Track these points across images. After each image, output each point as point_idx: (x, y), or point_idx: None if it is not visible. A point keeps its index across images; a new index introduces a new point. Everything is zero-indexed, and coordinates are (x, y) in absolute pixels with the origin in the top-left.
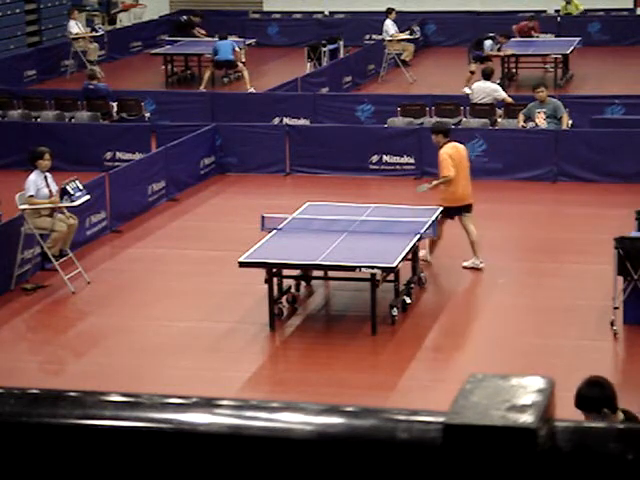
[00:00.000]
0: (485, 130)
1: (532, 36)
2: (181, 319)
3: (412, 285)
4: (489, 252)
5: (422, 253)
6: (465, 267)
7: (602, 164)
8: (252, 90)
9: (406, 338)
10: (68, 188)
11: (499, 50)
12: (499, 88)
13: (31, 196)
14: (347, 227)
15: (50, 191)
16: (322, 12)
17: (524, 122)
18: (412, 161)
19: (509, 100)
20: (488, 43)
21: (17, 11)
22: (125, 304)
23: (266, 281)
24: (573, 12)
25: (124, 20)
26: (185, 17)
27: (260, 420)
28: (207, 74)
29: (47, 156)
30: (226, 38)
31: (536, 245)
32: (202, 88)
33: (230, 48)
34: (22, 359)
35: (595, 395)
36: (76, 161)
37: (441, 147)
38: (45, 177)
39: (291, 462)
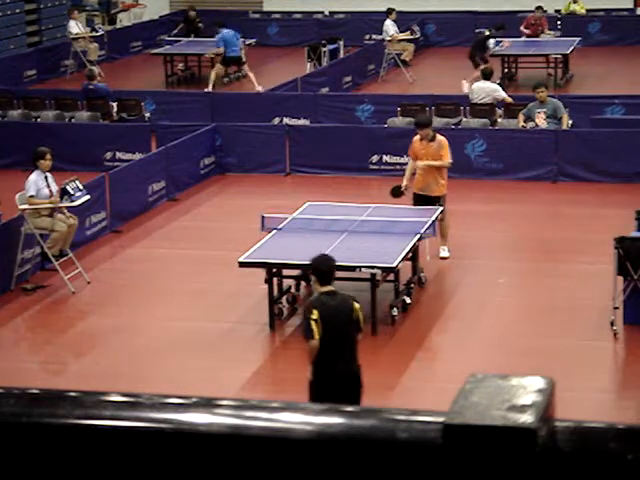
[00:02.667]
0: (485, 130)
1: (539, 33)
2: (181, 319)
3: (412, 285)
4: (489, 252)
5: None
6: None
7: (602, 164)
8: (260, 89)
9: (406, 338)
10: (68, 188)
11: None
12: (499, 88)
13: (32, 196)
14: (347, 227)
15: (50, 191)
16: (322, 12)
17: (524, 122)
18: None
19: (509, 100)
20: (492, 42)
21: (17, 11)
22: (125, 304)
23: (266, 281)
24: (577, 11)
25: (124, 20)
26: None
27: (260, 420)
28: (214, 73)
29: (48, 156)
30: (225, 26)
31: (536, 245)
32: (210, 88)
33: (237, 41)
34: (22, 359)
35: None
36: (76, 161)
37: (429, 139)
38: (46, 177)
39: (291, 462)
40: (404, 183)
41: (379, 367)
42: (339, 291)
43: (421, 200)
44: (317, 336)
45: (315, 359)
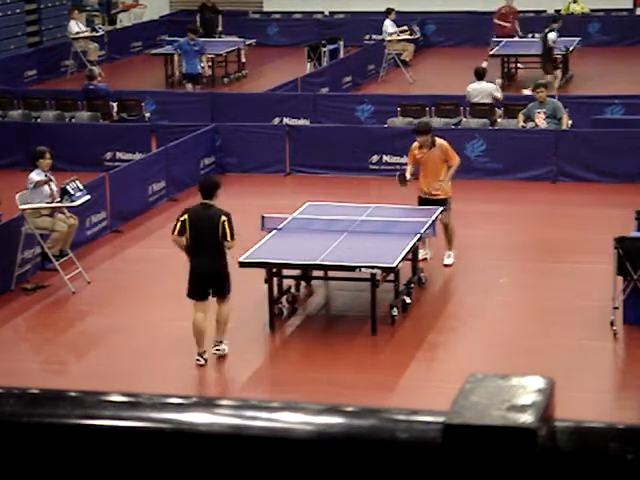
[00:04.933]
0: (485, 130)
1: (513, 25)
2: (181, 319)
3: (412, 285)
4: (489, 252)
5: (421, 253)
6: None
7: (602, 164)
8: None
9: (406, 338)
10: (68, 188)
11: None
12: (496, 87)
13: (37, 182)
14: (347, 227)
15: (51, 190)
16: (322, 12)
17: (524, 122)
18: None
19: (501, 98)
20: (552, 35)
21: (17, 11)
22: (125, 304)
23: (266, 281)
24: (578, 11)
25: (124, 20)
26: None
27: (260, 420)
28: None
29: (48, 155)
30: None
31: (536, 245)
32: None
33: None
34: (22, 359)
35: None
36: (76, 161)
37: (429, 146)
38: (46, 176)
39: (291, 462)
40: (408, 175)
41: (379, 367)
42: (217, 207)
43: (426, 203)
44: (176, 233)
45: (188, 255)
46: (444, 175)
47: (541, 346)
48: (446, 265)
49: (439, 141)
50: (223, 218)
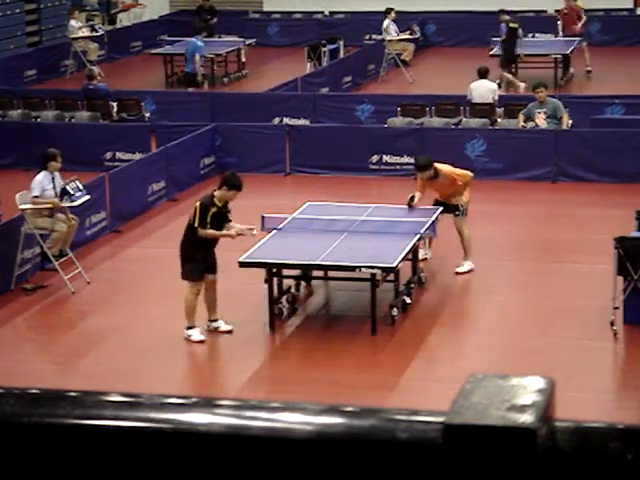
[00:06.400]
0: (485, 130)
1: (576, 22)
2: (181, 319)
3: (412, 285)
4: (489, 252)
5: (421, 253)
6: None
7: (602, 164)
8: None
9: (406, 338)
10: (68, 188)
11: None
12: (496, 87)
13: (36, 196)
14: (347, 227)
15: (56, 192)
16: (322, 12)
17: (524, 122)
18: (412, 161)
19: (497, 100)
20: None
21: (17, 11)
22: (125, 304)
23: (266, 281)
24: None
25: (124, 20)
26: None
27: (260, 420)
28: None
29: (59, 158)
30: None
31: (536, 245)
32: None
33: (190, 52)
34: (22, 359)
35: None
36: (76, 161)
37: (433, 177)
38: (52, 178)
39: (291, 462)
40: (417, 195)
41: (379, 367)
42: (211, 196)
43: (440, 205)
44: None
45: None
46: (456, 187)
47: (541, 346)
48: (457, 273)
49: (443, 170)
50: (197, 204)
